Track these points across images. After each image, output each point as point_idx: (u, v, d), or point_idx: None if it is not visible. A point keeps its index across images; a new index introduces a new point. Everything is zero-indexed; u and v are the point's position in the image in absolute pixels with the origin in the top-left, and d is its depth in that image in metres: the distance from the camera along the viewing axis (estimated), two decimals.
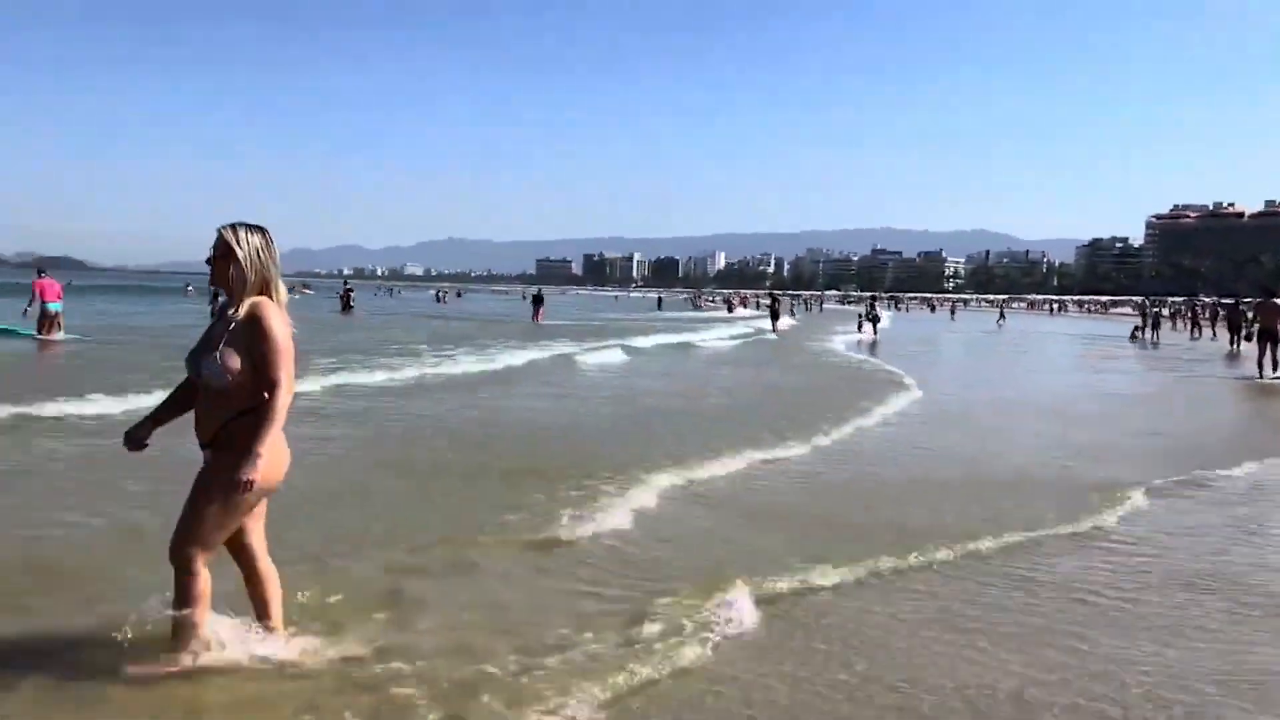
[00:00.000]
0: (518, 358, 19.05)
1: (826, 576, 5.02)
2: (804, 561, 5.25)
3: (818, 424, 10.59)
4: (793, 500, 7.19)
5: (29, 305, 20.97)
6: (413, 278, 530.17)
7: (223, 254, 3.54)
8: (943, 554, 5.54)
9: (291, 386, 3.51)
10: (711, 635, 4.13)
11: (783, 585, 4.86)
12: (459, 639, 4.05)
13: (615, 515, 6.21)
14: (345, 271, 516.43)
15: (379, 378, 14.56)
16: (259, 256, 3.55)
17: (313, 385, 12.47)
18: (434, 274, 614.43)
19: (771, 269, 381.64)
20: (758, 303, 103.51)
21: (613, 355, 21.22)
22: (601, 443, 9.47)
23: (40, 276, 20.81)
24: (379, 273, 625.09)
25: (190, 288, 64.51)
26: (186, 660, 3.55)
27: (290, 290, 3.83)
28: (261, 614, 3.77)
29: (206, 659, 3.58)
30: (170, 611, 3.60)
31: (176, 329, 25.63)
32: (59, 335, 20.22)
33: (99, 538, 5.50)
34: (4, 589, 4.53)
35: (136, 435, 3.72)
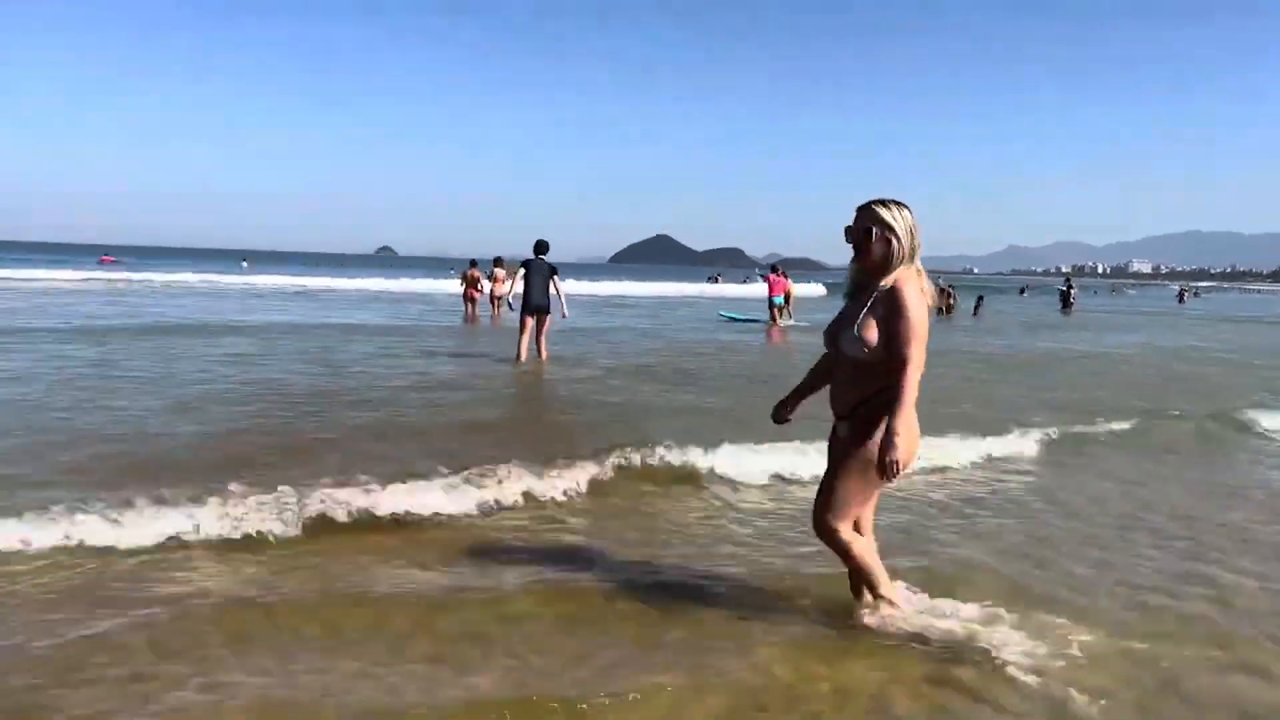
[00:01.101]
0: None
1: None
2: None
3: None
4: None
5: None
6: (1138, 275, 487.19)
7: (879, 231, 3.43)
8: None
9: (921, 364, 3.33)
10: None
11: None
12: None
13: None
14: (1064, 269, 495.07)
15: None
16: (912, 233, 3.44)
17: None
18: (1163, 270, 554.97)
19: None
20: None
21: None
22: None
23: (773, 273, 24.07)
24: (1099, 270, 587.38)
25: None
26: (871, 617, 3.66)
27: None
28: (857, 590, 3.79)
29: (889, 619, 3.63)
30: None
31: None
32: (787, 322, 23.44)
33: None
34: None
35: (780, 411, 3.84)
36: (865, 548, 3.63)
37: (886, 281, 3.40)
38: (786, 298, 24.00)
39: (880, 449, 3.27)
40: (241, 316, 20.20)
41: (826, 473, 3.63)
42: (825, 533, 3.58)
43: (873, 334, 3.36)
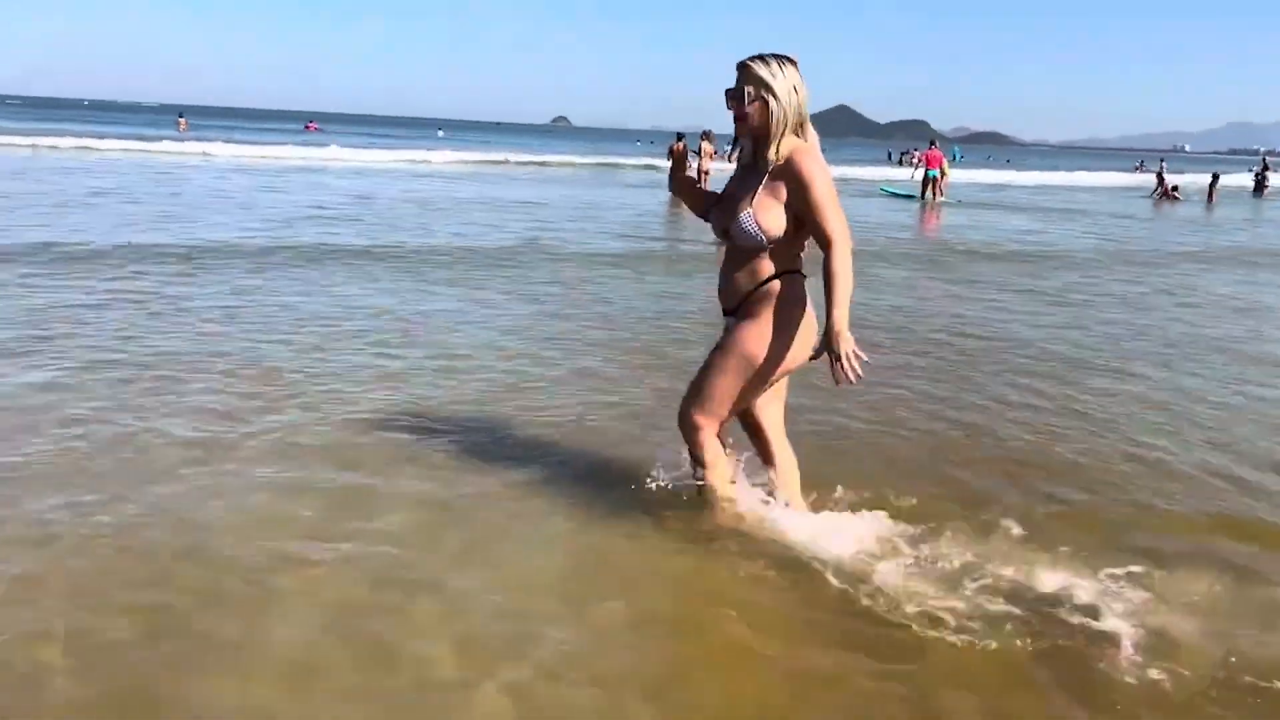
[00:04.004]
0: None
1: None
2: None
3: None
4: None
5: (914, 170, 26.11)
6: None
7: (754, 92, 2.97)
8: None
9: (848, 238, 2.95)
10: None
11: None
12: None
13: None
14: None
15: None
16: (795, 93, 2.97)
17: None
18: None
19: None
20: None
21: None
22: None
23: (931, 148, 24.94)
24: None
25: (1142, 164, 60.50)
26: (712, 519, 3.29)
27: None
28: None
29: (722, 521, 3.28)
30: (695, 477, 3.34)
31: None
32: (941, 199, 24.03)
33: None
34: None
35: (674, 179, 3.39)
36: (716, 458, 3.25)
37: (779, 154, 2.98)
38: (940, 173, 23.84)
39: (829, 344, 2.86)
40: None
41: (705, 364, 3.19)
42: (686, 426, 3.22)
43: (770, 219, 2.97)
